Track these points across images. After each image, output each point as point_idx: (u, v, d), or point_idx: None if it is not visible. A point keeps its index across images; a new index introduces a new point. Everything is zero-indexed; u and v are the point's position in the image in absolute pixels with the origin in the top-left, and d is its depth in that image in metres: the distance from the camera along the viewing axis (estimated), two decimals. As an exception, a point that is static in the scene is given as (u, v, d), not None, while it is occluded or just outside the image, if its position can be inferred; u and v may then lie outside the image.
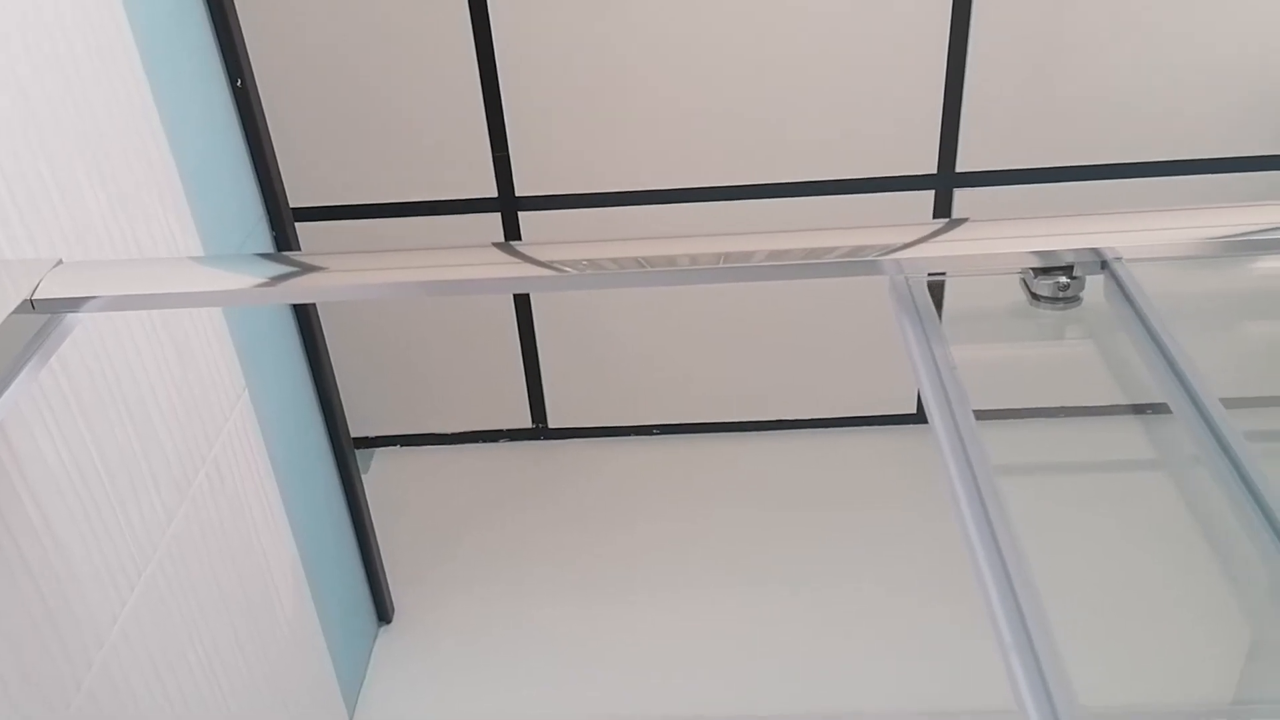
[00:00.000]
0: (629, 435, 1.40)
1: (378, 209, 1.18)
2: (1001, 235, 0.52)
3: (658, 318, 1.31)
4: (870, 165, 1.18)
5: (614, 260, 0.52)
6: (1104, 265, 0.45)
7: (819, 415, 1.37)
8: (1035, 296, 0.50)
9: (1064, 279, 0.49)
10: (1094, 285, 0.46)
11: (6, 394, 0.43)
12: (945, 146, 1.16)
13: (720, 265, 0.52)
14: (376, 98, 1.13)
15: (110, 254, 0.60)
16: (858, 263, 0.53)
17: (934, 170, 1.18)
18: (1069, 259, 0.47)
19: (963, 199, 1.19)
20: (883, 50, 1.10)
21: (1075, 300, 0.50)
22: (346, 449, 1.03)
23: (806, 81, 1.13)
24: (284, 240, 0.89)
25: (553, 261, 0.52)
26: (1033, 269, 0.50)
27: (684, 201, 1.20)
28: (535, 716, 1.06)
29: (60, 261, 0.48)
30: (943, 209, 1.19)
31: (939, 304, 1.13)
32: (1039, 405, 1.31)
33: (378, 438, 1.41)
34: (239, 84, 0.81)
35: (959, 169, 1.17)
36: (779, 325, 1.31)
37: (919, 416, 1.36)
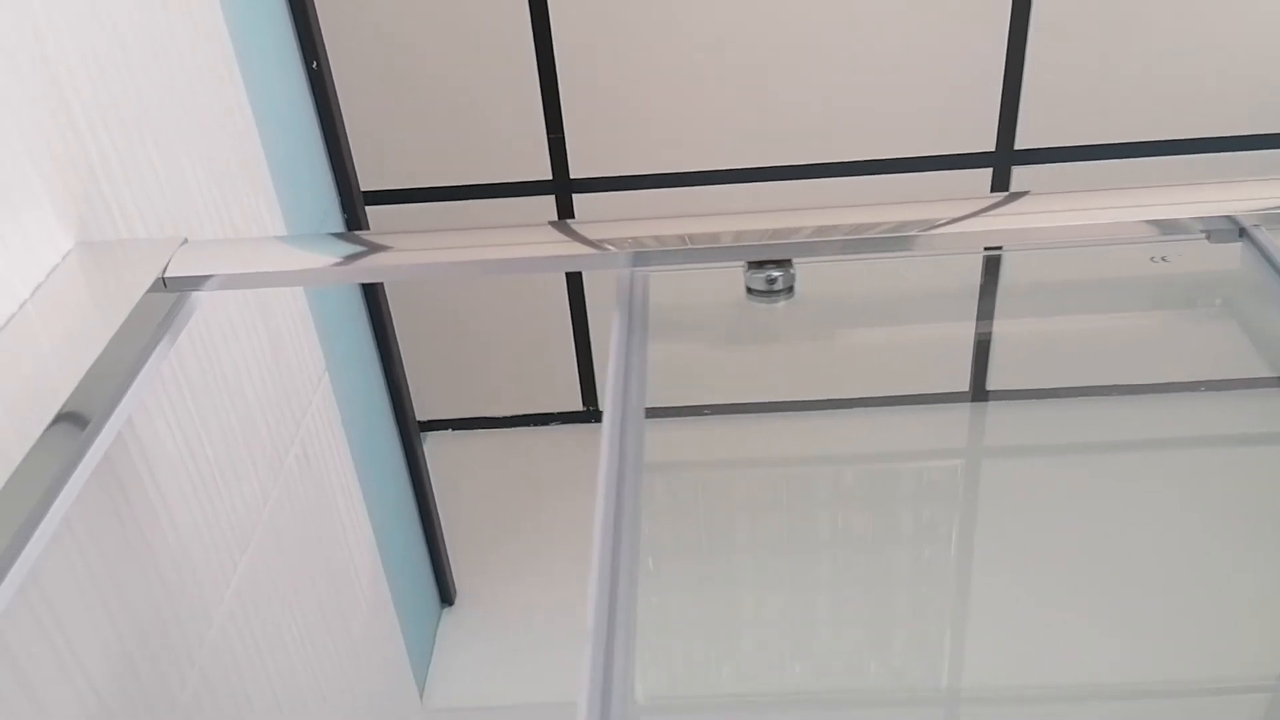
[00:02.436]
0: (680, 416, 1.40)
1: (437, 192, 1.18)
2: (1121, 204, 0.51)
3: (709, 299, 1.31)
4: (928, 143, 1.17)
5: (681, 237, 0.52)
6: (1242, 233, 0.45)
7: (875, 394, 1.37)
8: (749, 290, 0.51)
9: (774, 273, 0.50)
10: (1226, 254, 0.46)
11: (143, 372, 0.43)
12: (1004, 122, 1.15)
13: (767, 243, 0.52)
14: (437, 83, 1.13)
15: (210, 233, 0.61)
16: (939, 236, 0.52)
17: (992, 148, 1.17)
18: (1198, 228, 0.47)
19: (1021, 176, 1.18)
20: (943, 23, 1.10)
21: (788, 293, 0.51)
22: (412, 431, 1.03)
23: (864, 57, 1.12)
24: (354, 223, 0.89)
25: (602, 240, 0.53)
26: (748, 262, 0.51)
27: (738, 182, 1.20)
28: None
29: (186, 240, 0.48)
30: (1000, 187, 1.19)
31: (995, 280, 1.12)
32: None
33: (429, 421, 1.42)
34: (315, 66, 0.81)
35: (1018, 146, 1.17)
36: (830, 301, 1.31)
37: (973, 394, 1.36)
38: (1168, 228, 0.50)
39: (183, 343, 0.56)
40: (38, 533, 0.36)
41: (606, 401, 0.49)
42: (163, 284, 0.46)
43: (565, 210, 1.22)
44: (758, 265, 0.49)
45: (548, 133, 1.17)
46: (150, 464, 0.52)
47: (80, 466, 0.39)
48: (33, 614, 0.43)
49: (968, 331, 1.29)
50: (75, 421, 0.39)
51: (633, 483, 0.44)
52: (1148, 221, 0.50)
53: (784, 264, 0.49)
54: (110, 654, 0.48)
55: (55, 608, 0.44)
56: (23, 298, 0.44)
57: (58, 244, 0.46)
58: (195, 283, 0.47)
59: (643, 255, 0.54)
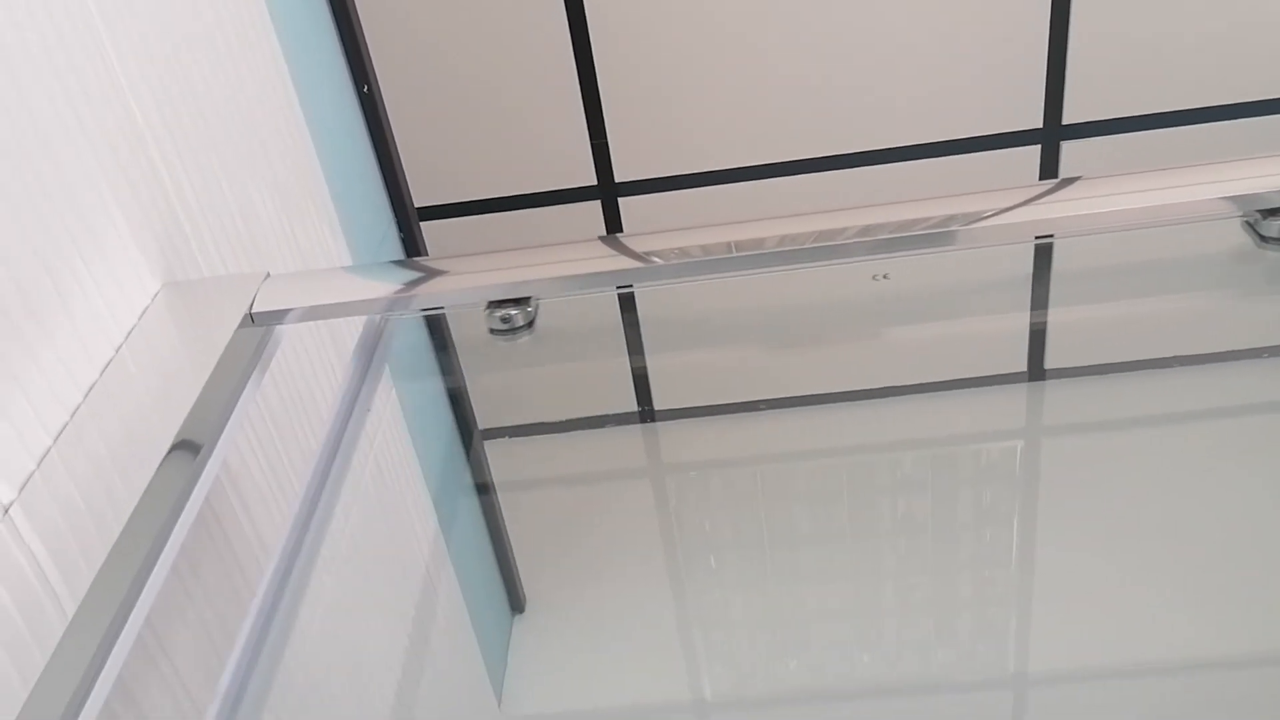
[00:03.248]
0: (735, 413, 1.40)
1: (488, 204, 1.19)
2: (1196, 181, 0.51)
3: (758, 297, 1.31)
4: (973, 123, 1.16)
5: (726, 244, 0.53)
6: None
7: (929, 380, 1.36)
8: (490, 330, 0.53)
9: (511, 311, 0.52)
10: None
11: (238, 408, 0.44)
12: (1051, 97, 1.14)
13: (814, 245, 0.52)
14: (483, 99, 1.13)
15: (283, 264, 0.62)
16: (993, 228, 0.52)
17: (1039, 124, 1.15)
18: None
19: (1070, 151, 1.16)
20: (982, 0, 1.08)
21: (529, 328, 0.53)
22: (477, 442, 1.04)
23: (904, 40, 1.11)
24: (411, 241, 0.90)
25: (649, 252, 0.53)
26: (488, 303, 0.53)
27: (783, 175, 1.20)
28: (680, 697, 1.07)
29: (269, 275, 0.49)
30: (1049, 164, 1.17)
31: (1048, 266, 1.11)
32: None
33: (486, 430, 1.43)
34: (366, 90, 0.82)
35: (1066, 121, 1.15)
36: (881, 288, 1.30)
37: (1030, 374, 1.34)
38: (1248, 202, 0.49)
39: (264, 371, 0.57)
40: (152, 576, 0.37)
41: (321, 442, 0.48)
42: (250, 319, 0.47)
43: (612, 214, 1.22)
44: (496, 304, 0.52)
45: (591, 139, 1.17)
46: (241, 494, 0.53)
47: (187, 508, 0.39)
48: (145, 652, 0.44)
49: (1023, 312, 1.28)
50: (182, 464, 0.39)
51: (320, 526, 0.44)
52: (1227, 198, 0.49)
53: (522, 302, 0.52)
54: (216, 683, 0.50)
55: (165, 643, 0.45)
56: (118, 341, 0.45)
57: (146, 285, 0.48)
58: (279, 316, 0.48)
59: (689, 266, 0.55)
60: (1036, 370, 1.33)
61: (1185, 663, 1.03)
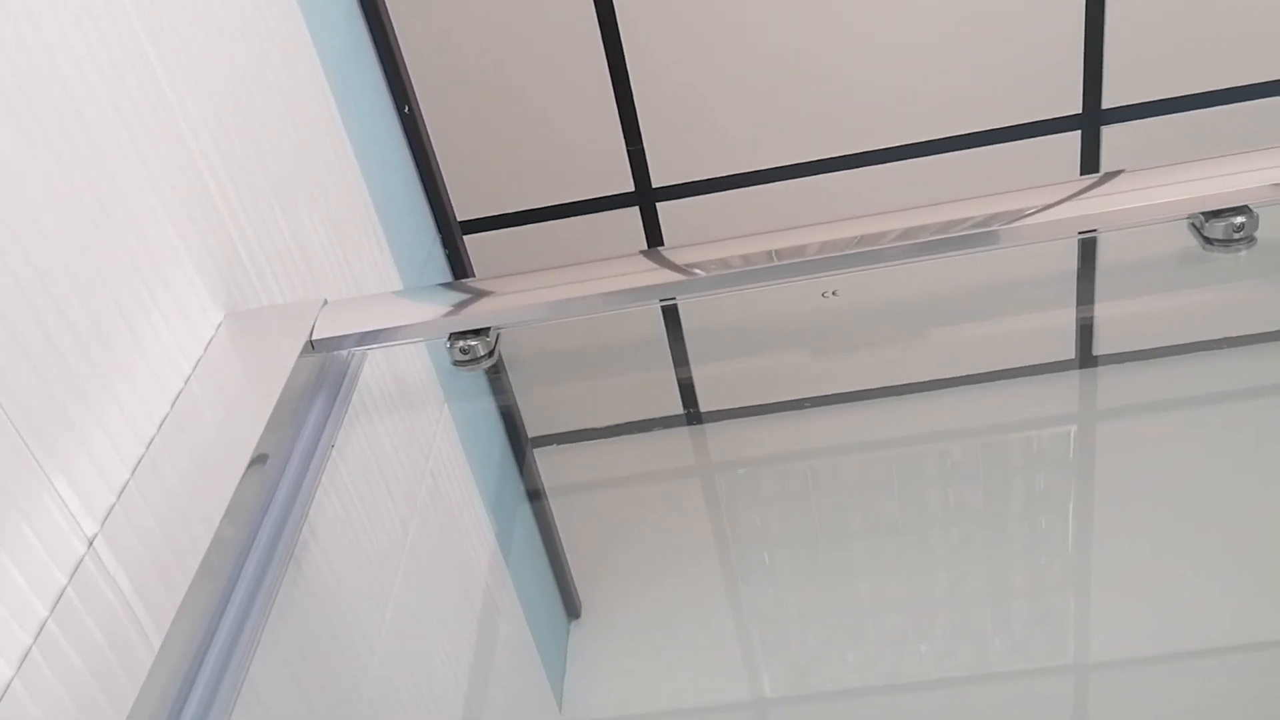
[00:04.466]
0: (780, 411, 1.40)
1: (528, 215, 1.21)
2: (1245, 169, 0.51)
3: (800, 298, 1.31)
4: (1012, 112, 1.15)
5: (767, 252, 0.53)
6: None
7: (977, 370, 1.36)
8: (454, 362, 0.54)
9: (471, 342, 0.53)
10: None
11: (306, 433, 0.46)
12: (1089, 82, 1.13)
13: (854, 251, 0.52)
14: (520, 111, 1.15)
15: (338, 287, 0.63)
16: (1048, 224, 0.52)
17: (1079, 109, 1.14)
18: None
19: (1111, 136, 1.15)
20: (1017, -7, 1.07)
21: (489, 357, 0.54)
22: (527, 450, 1.05)
23: (938, 30, 1.10)
24: (456, 258, 0.91)
25: (691, 265, 0.54)
26: (450, 334, 0.52)
27: (822, 173, 1.20)
28: (738, 694, 1.07)
29: (326, 301, 0.50)
30: (1090, 149, 1.16)
31: (1092, 260, 1.11)
32: None
33: (535, 437, 1.44)
34: (406, 110, 0.83)
35: (1106, 105, 1.14)
36: (925, 279, 1.30)
37: (1080, 361, 1.33)
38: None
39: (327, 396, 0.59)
40: (231, 604, 0.39)
41: (287, 478, 0.48)
42: (310, 346, 0.48)
43: (651, 219, 1.23)
44: (459, 335, 0.53)
45: (627, 145, 1.18)
46: (309, 517, 0.55)
47: (260, 535, 0.41)
48: (226, 673, 0.45)
49: (1069, 301, 1.27)
50: (254, 491, 0.41)
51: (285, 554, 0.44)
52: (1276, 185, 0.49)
53: (481, 333, 0.53)
54: (288, 696, 0.51)
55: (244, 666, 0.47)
56: (186, 373, 0.47)
57: (209, 316, 0.49)
58: (339, 342, 0.50)
59: (731, 276, 0.55)
60: (1086, 358, 1.32)
61: (1246, 646, 1.02)
